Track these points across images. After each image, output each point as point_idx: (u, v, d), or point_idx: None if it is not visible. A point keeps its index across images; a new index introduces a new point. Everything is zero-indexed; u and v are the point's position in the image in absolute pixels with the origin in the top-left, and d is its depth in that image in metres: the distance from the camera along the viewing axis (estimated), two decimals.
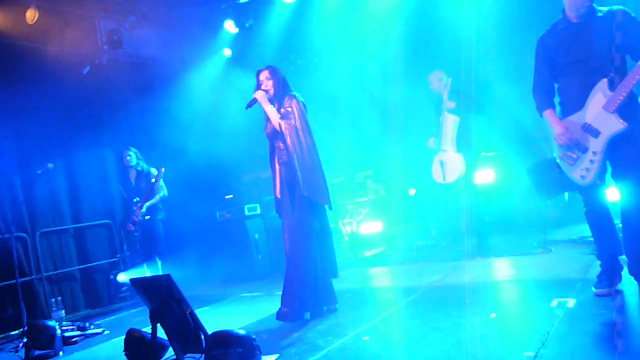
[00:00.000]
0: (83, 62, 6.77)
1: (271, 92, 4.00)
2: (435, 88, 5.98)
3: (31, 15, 5.95)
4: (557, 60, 3.11)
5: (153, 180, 6.02)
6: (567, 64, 3.07)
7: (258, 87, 4.04)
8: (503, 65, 6.14)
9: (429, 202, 6.55)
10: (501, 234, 6.05)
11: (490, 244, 5.59)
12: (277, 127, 3.89)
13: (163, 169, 5.95)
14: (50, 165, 5.32)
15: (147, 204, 6.05)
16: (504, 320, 3.01)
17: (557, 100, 3.25)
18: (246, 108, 4.00)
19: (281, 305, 3.83)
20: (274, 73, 4.04)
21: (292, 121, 3.86)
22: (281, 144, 3.94)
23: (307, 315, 3.82)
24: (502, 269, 4.40)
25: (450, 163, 5.77)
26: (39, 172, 5.27)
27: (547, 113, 3.17)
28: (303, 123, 3.90)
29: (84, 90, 6.69)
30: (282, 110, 3.93)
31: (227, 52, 7.47)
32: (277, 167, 4.04)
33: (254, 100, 3.98)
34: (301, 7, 6.74)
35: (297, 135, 3.85)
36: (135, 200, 6.08)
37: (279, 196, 4.06)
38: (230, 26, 7.12)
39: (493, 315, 3.10)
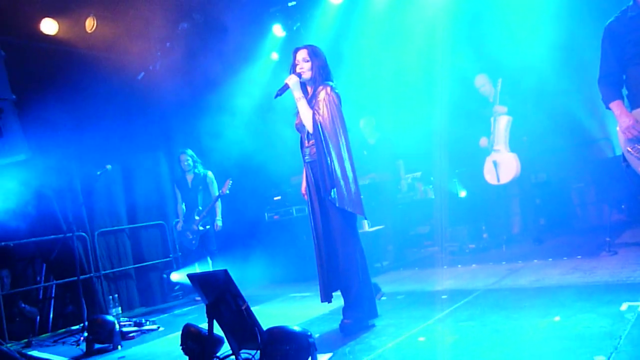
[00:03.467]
0: (138, 69, 7.05)
1: (306, 75, 3.53)
2: (487, 91, 5.90)
3: (90, 24, 6.24)
4: (626, 50, 2.95)
5: (218, 192, 6.22)
6: (638, 53, 2.91)
7: (293, 67, 3.57)
8: (560, 61, 5.90)
9: (481, 204, 6.37)
10: (559, 235, 5.80)
11: (547, 246, 5.36)
12: (310, 128, 3.45)
13: (230, 181, 6.11)
14: (108, 166, 5.53)
15: (219, 217, 6.37)
16: (569, 324, 2.84)
17: (624, 92, 3.08)
18: (275, 97, 3.53)
19: (343, 317, 3.54)
20: (314, 54, 3.55)
21: (328, 122, 3.39)
22: (307, 142, 3.58)
23: (372, 322, 3.60)
24: (563, 271, 4.19)
25: (504, 163, 5.64)
26: (98, 173, 5.48)
27: (615, 104, 3.01)
28: (339, 122, 3.43)
29: (138, 96, 6.98)
30: (313, 101, 3.48)
31: (275, 56, 7.54)
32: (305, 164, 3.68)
33: (286, 87, 3.50)
34: (349, 8, 6.72)
35: (336, 135, 3.39)
36: (199, 208, 6.30)
37: (304, 194, 3.78)
38: (278, 30, 7.21)
39: (557, 318, 2.95)
